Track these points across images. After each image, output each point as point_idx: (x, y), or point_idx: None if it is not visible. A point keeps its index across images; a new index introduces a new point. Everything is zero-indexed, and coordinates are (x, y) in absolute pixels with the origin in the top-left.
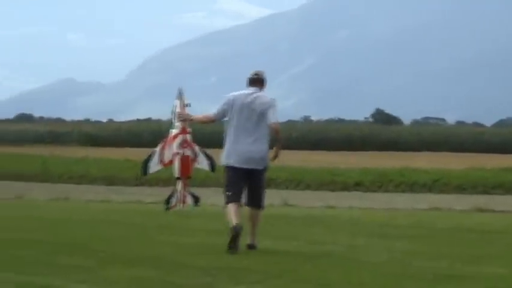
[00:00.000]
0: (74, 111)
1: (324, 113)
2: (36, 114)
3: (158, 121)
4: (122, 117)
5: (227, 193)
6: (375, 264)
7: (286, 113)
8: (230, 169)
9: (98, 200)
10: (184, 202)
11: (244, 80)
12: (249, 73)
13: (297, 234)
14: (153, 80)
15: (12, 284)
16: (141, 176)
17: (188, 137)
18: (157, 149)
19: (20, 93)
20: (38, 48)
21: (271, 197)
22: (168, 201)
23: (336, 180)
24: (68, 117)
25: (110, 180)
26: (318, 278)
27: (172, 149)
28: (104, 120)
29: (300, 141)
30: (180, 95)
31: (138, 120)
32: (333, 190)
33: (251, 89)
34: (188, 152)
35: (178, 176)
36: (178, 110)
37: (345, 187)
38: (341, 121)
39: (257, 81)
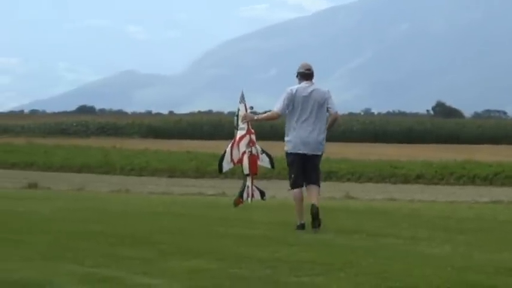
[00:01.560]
0: (135, 104)
1: (385, 105)
2: (98, 106)
3: (219, 113)
4: (182, 109)
5: (292, 177)
6: (437, 257)
7: (346, 105)
8: (294, 155)
9: (159, 192)
10: (253, 196)
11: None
12: (299, 67)
13: (358, 226)
14: (213, 72)
15: (75, 275)
16: (219, 173)
17: (253, 137)
18: (228, 149)
19: (82, 85)
20: (99, 41)
21: (332, 189)
22: (241, 194)
23: (397, 173)
24: (129, 109)
25: (171, 172)
26: (380, 271)
27: (240, 148)
28: (165, 112)
29: (360, 134)
30: (242, 99)
31: (199, 112)
32: (394, 183)
33: (307, 83)
34: (254, 151)
35: (248, 173)
36: (242, 113)
37: (406, 180)
38: (402, 114)
39: (310, 75)
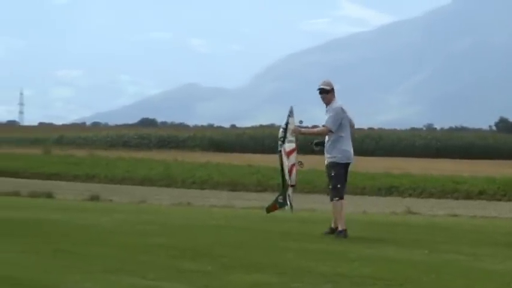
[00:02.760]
0: (196, 117)
1: (447, 121)
2: (159, 119)
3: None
4: (244, 122)
5: (339, 187)
6: (500, 273)
7: (409, 120)
8: (343, 166)
9: (221, 205)
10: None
11: (366, 87)
12: (327, 83)
13: (420, 242)
14: (276, 86)
15: None
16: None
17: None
18: (286, 166)
19: (144, 98)
20: (161, 54)
21: (394, 204)
22: (277, 201)
23: (460, 188)
24: (190, 122)
25: (233, 186)
26: (442, 287)
27: (290, 160)
28: (227, 125)
29: (423, 149)
30: (291, 113)
31: (260, 126)
32: (456, 198)
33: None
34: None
35: (294, 184)
36: (292, 126)
37: (469, 195)
38: (464, 129)
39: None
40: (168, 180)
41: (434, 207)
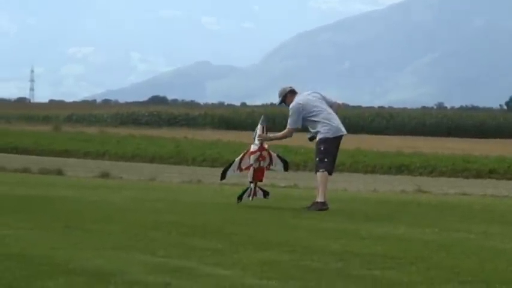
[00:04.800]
0: (207, 95)
1: (458, 100)
2: (170, 97)
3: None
4: (255, 101)
5: (326, 161)
6: (510, 252)
7: (420, 99)
8: (333, 140)
9: (231, 183)
10: (255, 195)
11: (377, 66)
12: (285, 90)
13: (431, 221)
14: (287, 64)
15: (147, 265)
16: (220, 180)
17: (264, 153)
18: (237, 159)
19: (154, 76)
20: (172, 31)
21: (404, 183)
22: (240, 196)
23: (470, 167)
24: (201, 100)
25: None
26: (452, 266)
27: (250, 161)
28: (238, 104)
29: (434, 128)
30: (263, 121)
31: (271, 104)
32: (466, 177)
33: (299, 95)
34: (262, 163)
35: (251, 180)
36: (259, 132)
37: (479, 174)
38: (475, 108)
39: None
40: (178, 158)
41: (444, 186)
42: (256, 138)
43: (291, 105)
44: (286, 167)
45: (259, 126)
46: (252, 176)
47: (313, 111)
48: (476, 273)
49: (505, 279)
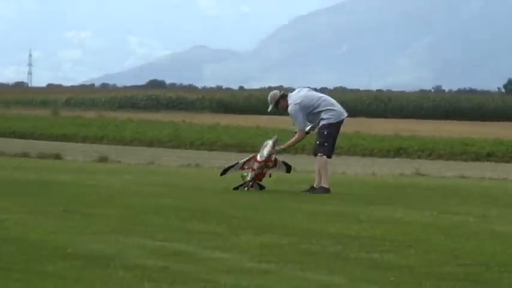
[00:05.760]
0: (205, 79)
1: (456, 83)
2: (168, 81)
3: (290, 89)
4: (253, 84)
5: (327, 145)
6: (508, 234)
7: (418, 82)
8: (336, 125)
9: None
10: (251, 187)
11: (374, 50)
12: (276, 96)
13: (429, 204)
14: (285, 48)
15: (145, 249)
16: (220, 175)
17: (271, 163)
18: (242, 161)
19: (152, 60)
20: (170, 15)
21: (403, 166)
22: (237, 187)
23: (468, 150)
24: (199, 84)
25: (241, 148)
26: (451, 249)
27: (253, 165)
28: (235, 87)
29: (431, 111)
30: (274, 142)
31: (269, 88)
32: (465, 160)
33: (291, 95)
34: (265, 170)
35: (250, 180)
36: (270, 149)
37: (477, 157)
38: (473, 91)
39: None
40: (176, 141)
41: (443, 169)
42: (265, 151)
43: (289, 109)
44: (289, 170)
45: (270, 143)
46: (252, 177)
47: (314, 104)
48: (475, 255)
49: (503, 261)
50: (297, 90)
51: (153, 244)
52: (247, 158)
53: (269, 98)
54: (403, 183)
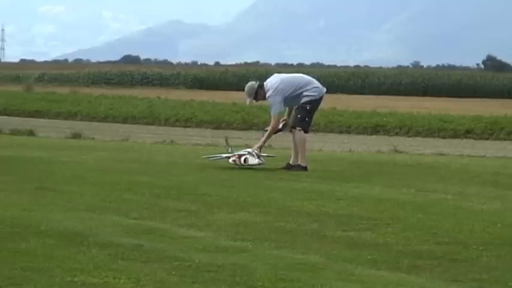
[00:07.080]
0: (180, 54)
1: (434, 59)
2: (143, 56)
3: (266, 65)
4: (229, 60)
5: (307, 120)
6: (487, 213)
7: (395, 58)
8: (317, 101)
9: (205, 143)
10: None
11: (351, 25)
12: (254, 86)
13: (407, 181)
14: (261, 23)
15: (119, 226)
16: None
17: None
18: (224, 155)
19: (126, 35)
20: None
21: (380, 143)
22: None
23: (447, 127)
24: (174, 59)
25: (217, 124)
26: (429, 227)
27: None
28: (211, 63)
29: (409, 88)
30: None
31: (245, 63)
32: (443, 137)
33: (267, 84)
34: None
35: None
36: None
37: (456, 134)
38: (451, 67)
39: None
40: (151, 118)
41: (421, 146)
42: (255, 160)
43: (268, 95)
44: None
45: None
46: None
47: (294, 85)
48: (453, 234)
49: (482, 240)
50: (271, 78)
51: (127, 222)
52: (229, 155)
53: (247, 90)
54: (380, 161)
